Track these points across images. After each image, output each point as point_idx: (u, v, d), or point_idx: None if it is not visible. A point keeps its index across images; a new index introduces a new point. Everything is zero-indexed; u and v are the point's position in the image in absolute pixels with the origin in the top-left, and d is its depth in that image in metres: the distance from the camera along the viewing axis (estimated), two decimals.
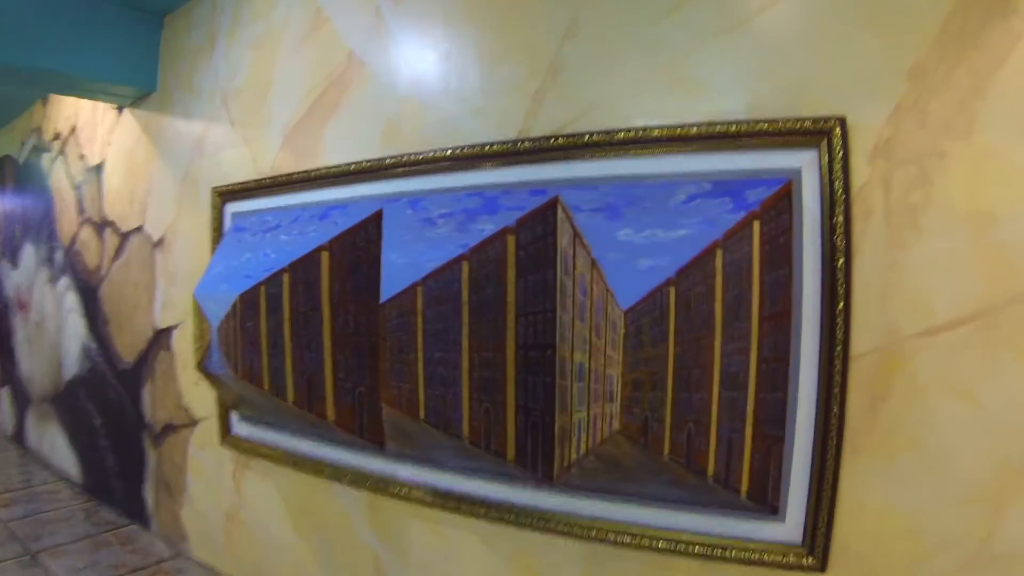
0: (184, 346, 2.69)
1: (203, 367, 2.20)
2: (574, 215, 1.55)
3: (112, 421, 2.98)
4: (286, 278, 1.89)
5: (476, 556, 1.88)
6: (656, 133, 1.52)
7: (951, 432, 1.23)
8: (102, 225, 3.12)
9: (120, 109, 3.12)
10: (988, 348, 1.22)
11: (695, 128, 1.46)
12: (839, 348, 1.30)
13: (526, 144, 1.71)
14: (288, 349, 1.88)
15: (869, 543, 1.31)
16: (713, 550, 1.45)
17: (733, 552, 1.42)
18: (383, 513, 2.03)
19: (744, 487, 1.39)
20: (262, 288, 1.92)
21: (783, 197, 1.40)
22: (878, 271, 1.30)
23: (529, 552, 1.75)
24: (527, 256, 1.55)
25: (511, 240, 1.56)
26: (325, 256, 1.86)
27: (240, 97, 2.52)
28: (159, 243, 2.86)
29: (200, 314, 2.17)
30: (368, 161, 1.99)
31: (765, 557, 1.39)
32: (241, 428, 2.38)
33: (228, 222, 2.41)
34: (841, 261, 1.31)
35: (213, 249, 2.48)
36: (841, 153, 1.32)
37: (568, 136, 1.65)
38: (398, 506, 2.00)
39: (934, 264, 1.25)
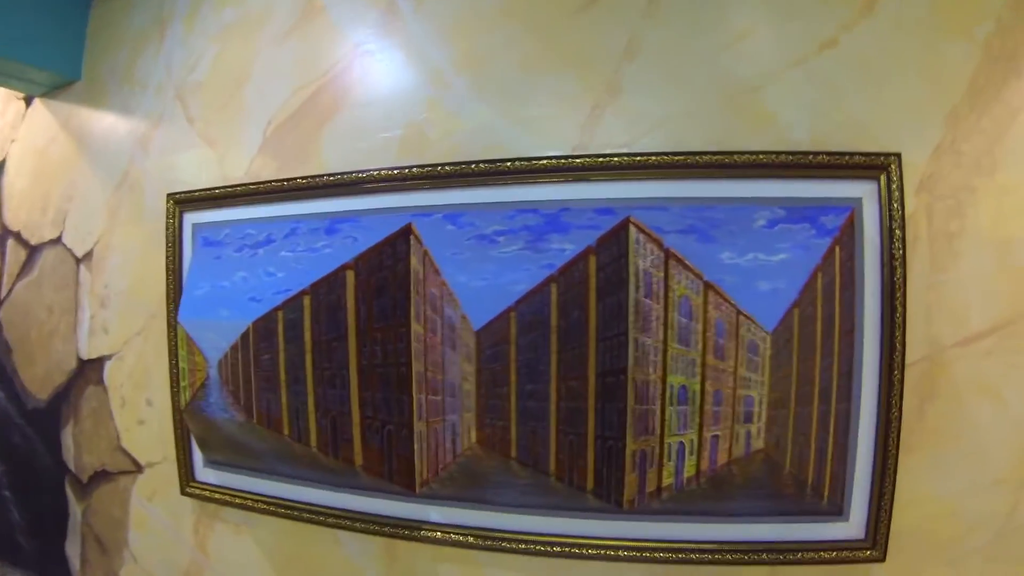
0: (122, 380, 2.09)
1: (194, 411, 1.70)
2: (663, 237, 1.43)
3: (18, 469, 2.27)
4: (307, 301, 1.49)
5: None
6: (736, 159, 1.43)
7: (982, 427, 1.39)
8: (3, 236, 2.42)
9: (28, 99, 2.39)
10: (1010, 355, 1.40)
11: (771, 155, 1.42)
12: (898, 358, 1.38)
13: (588, 160, 1.55)
14: (310, 385, 1.50)
15: (919, 529, 1.42)
16: (784, 555, 1.42)
17: (801, 554, 1.41)
18: (405, 561, 1.69)
19: (826, 493, 1.38)
20: (279, 313, 1.51)
21: (851, 224, 1.40)
22: (924, 290, 1.41)
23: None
24: (605, 278, 1.39)
25: (592, 260, 1.39)
26: (351, 276, 1.52)
27: (202, 92, 2.06)
28: (85, 258, 2.27)
29: (189, 345, 1.67)
30: (389, 169, 1.64)
31: (831, 555, 1.41)
32: (209, 474, 1.95)
33: (188, 235, 1.98)
34: (899, 281, 1.38)
35: (170, 266, 2.00)
36: (897, 185, 1.39)
37: (635, 155, 1.52)
38: (425, 550, 1.72)
39: (967, 284, 1.40)
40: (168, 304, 1.92)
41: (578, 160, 1.53)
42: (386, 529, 1.67)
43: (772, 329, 1.30)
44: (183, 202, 1.91)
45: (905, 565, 1.41)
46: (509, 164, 1.57)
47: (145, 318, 2.03)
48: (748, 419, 1.29)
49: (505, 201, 1.56)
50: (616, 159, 1.51)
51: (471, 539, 1.60)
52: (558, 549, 1.54)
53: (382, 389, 1.51)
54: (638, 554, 1.51)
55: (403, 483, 1.53)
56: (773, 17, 1.50)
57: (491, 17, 1.66)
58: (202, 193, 1.88)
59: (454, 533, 1.62)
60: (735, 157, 1.45)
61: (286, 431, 1.51)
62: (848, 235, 1.37)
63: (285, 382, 1.49)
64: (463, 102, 1.67)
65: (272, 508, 1.80)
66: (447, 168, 1.60)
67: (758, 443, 1.28)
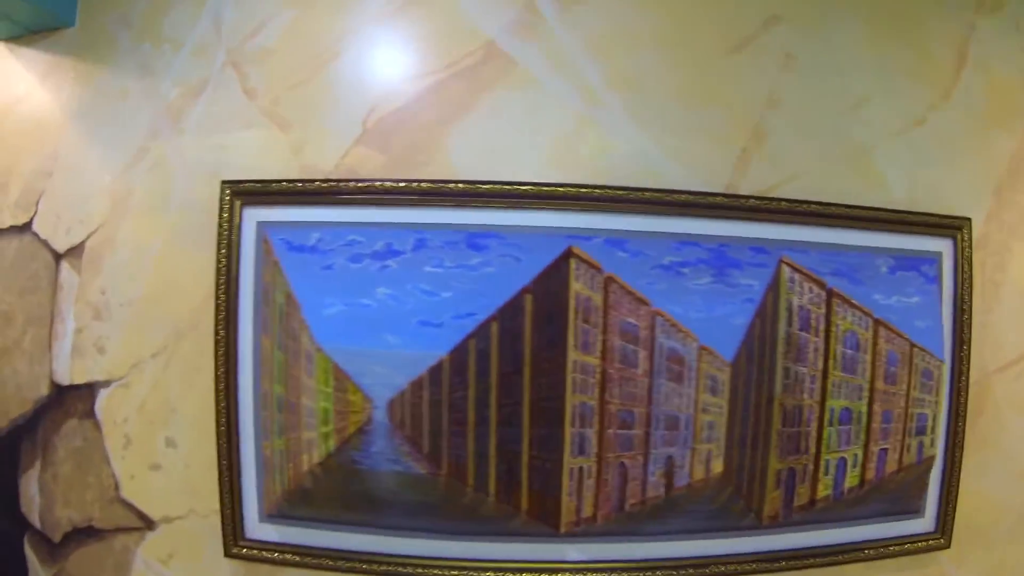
0: (127, 414, 1.42)
1: (341, 464, 1.18)
2: (827, 279, 1.37)
3: None
4: (495, 329, 1.17)
5: None
6: (861, 212, 1.44)
7: (1015, 435, 1.60)
8: None
9: None
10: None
11: (888, 212, 1.48)
12: (964, 380, 1.52)
13: (745, 201, 1.43)
14: (493, 426, 1.19)
15: (972, 518, 1.56)
16: (877, 550, 1.48)
17: (882, 546, 1.50)
18: None
19: (912, 494, 1.47)
20: (471, 343, 1.15)
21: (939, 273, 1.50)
22: (978, 327, 1.55)
23: None
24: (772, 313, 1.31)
25: (770, 297, 1.28)
26: (529, 300, 1.23)
27: (269, 63, 1.51)
28: (70, 254, 1.55)
29: (337, 379, 1.16)
30: (551, 186, 1.34)
31: (910, 547, 1.52)
32: (266, 530, 1.45)
33: (250, 235, 1.46)
34: (967, 321, 1.52)
35: (222, 273, 1.44)
36: (968, 244, 1.51)
37: (790, 200, 1.44)
38: None
39: (1006, 322, 1.59)
40: (217, 321, 1.38)
41: (742, 199, 1.42)
42: (512, 574, 1.40)
43: (943, 358, 1.36)
44: (247, 193, 1.38)
45: (960, 549, 1.55)
46: (675, 196, 1.41)
47: (167, 336, 1.42)
48: (921, 432, 1.32)
49: (665, 231, 1.39)
50: (772, 203, 1.44)
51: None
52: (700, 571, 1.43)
53: (546, 426, 1.25)
54: (768, 564, 1.45)
55: (551, 522, 1.29)
56: (882, 90, 1.53)
57: (642, 40, 1.46)
58: (283, 185, 1.38)
59: (597, 572, 1.42)
60: (859, 211, 1.47)
61: (471, 481, 1.16)
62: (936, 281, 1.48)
63: (473, 423, 1.15)
64: (617, 123, 1.45)
65: (360, 565, 1.39)
66: (616, 191, 1.38)
67: (932, 450, 1.32)
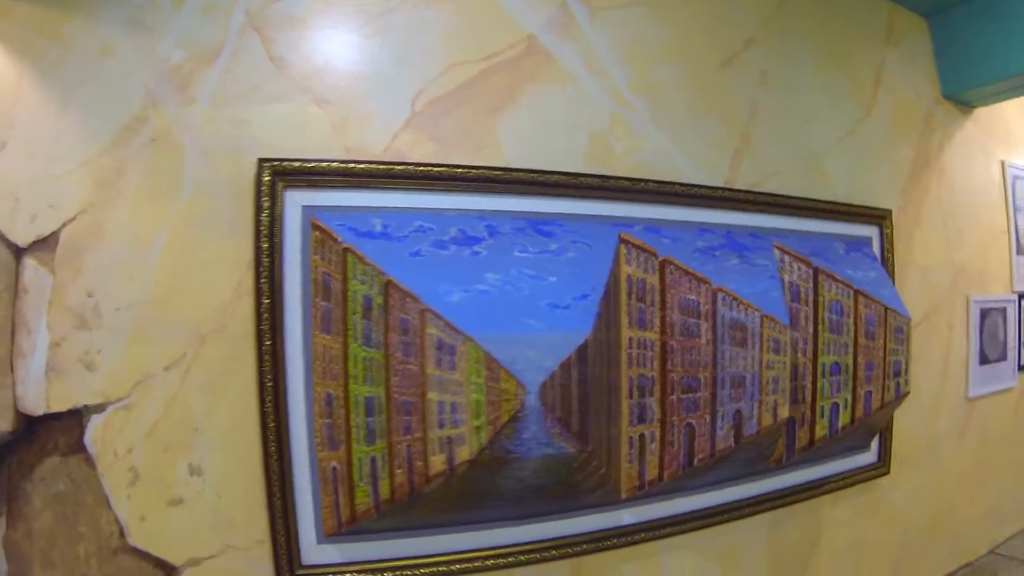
0: (132, 442, 1.07)
1: (495, 455, 0.99)
2: (811, 258, 1.52)
3: None
4: (604, 308, 1.07)
5: (688, 569, 1.54)
6: (815, 204, 1.67)
7: (922, 380, 1.95)
8: None
9: None
10: (930, 334, 2.00)
11: (843, 205, 1.71)
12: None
13: (744, 194, 1.53)
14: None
15: (900, 449, 1.86)
16: (837, 482, 1.71)
17: (844, 478, 1.73)
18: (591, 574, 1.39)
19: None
20: (601, 322, 1.03)
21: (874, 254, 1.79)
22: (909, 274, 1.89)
23: (724, 542, 1.55)
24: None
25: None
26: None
27: (300, 31, 1.23)
28: (38, 248, 1.06)
29: (489, 369, 0.96)
30: (600, 177, 1.34)
31: (861, 477, 1.77)
32: (327, 552, 1.17)
33: (295, 221, 1.16)
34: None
35: (265, 263, 1.13)
36: (890, 230, 1.84)
37: (768, 194, 1.59)
38: (606, 559, 1.42)
39: (913, 292, 1.95)
40: (260, 320, 1.10)
41: (739, 193, 1.54)
42: (580, 547, 1.34)
43: (908, 316, 1.58)
44: (289, 174, 1.13)
45: (895, 475, 1.86)
46: (694, 189, 1.47)
47: (184, 343, 1.11)
48: (897, 374, 1.54)
49: (689, 220, 1.46)
50: (759, 196, 1.58)
51: (650, 533, 1.43)
52: (712, 519, 1.51)
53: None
54: (759, 509, 1.59)
55: (613, 491, 1.26)
56: (827, 105, 1.79)
57: (655, 51, 1.50)
58: (336, 166, 1.15)
59: (649, 530, 1.42)
60: (816, 203, 1.69)
61: (604, 456, 1.04)
62: None
63: (607, 399, 1.04)
64: (644, 124, 1.47)
65: (435, 569, 1.21)
66: (652, 184, 1.40)
67: (906, 389, 1.53)
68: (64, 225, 1.07)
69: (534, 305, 1.05)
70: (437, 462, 0.98)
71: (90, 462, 1.07)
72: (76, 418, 1.06)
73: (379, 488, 1.05)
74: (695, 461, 1.26)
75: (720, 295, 1.28)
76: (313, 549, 1.14)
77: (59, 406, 1.06)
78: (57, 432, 1.06)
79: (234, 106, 1.15)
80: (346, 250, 1.07)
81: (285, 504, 1.11)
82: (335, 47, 1.21)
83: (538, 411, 0.96)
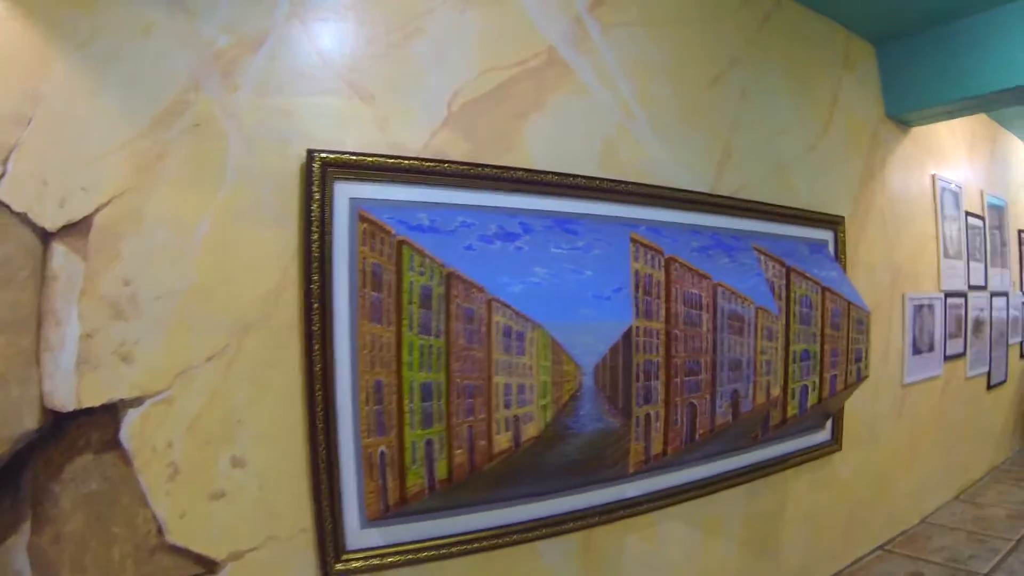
0: (172, 436, 0.99)
1: (557, 430, 1.00)
2: (784, 258, 1.66)
3: None
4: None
5: (678, 537, 1.63)
6: (784, 210, 1.85)
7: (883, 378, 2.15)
8: None
9: None
10: (881, 322, 2.19)
11: (807, 212, 1.89)
12: None
13: (726, 200, 1.66)
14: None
15: (850, 429, 2.06)
16: (798, 457, 1.90)
17: (804, 454, 1.92)
18: (597, 547, 1.44)
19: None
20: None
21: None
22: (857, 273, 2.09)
23: (708, 511, 1.66)
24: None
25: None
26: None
27: (345, 24, 1.16)
28: (69, 233, 0.92)
29: (554, 353, 0.97)
30: (614, 181, 1.42)
31: (817, 453, 1.95)
32: (371, 535, 1.12)
33: (343, 213, 1.09)
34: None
35: (315, 254, 1.05)
36: (843, 234, 2.05)
37: (744, 200, 1.73)
38: (612, 530, 1.47)
39: (861, 291, 2.04)
40: (310, 309, 1.05)
41: (723, 199, 1.66)
42: (592, 519, 1.39)
43: (868, 310, 1.76)
44: (339, 166, 1.08)
45: (845, 452, 2.05)
46: (687, 194, 1.58)
47: (228, 334, 1.04)
48: (858, 360, 1.71)
49: (684, 223, 1.56)
50: (738, 202, 1.71)
51: (651, 504, 1.52)
52: (700, 491, 1.62)
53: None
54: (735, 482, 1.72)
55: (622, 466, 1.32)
56: (793, 122, 1.97)
57: (657, 68, 1.60)
58: (383, 161, 1.12)
59: (649, 501, 1.49)
60: (784, 209, 1.85)
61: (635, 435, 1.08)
62: None
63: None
64: (646, 134, 1.56)
65: (467, 546, 1.22)
66: (655, 189, 1.49)
67: (866, 372, 1.70)
68: (98, 210, 0.98)
69: (582, 296, 1.10)
70: (502, 440, 1.00)
71: (125, 459, 0.98)
72: (110, 413, 0.98)
73: (434, 469, 1.04)
74: (696, 436, 1.36)
75: (720, 289, 1.39)
76: (356, 534, 1.12)
77: (91, 401, 0.96)
78: (89, 428, 0.97)
79: (279, 95, 1.10)
80: (401, 242, 1.06)
81: (332, 491, 1.08)
82: (378, 43, 1.19)
83: (592, 390, 1.02)
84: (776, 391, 1.46)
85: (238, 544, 1.06)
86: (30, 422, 0.93)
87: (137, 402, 0.99)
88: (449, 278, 1.01)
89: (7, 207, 0.92)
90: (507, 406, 0.98)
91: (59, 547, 0.94)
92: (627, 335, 1.09)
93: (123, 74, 1.00)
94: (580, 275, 1.13)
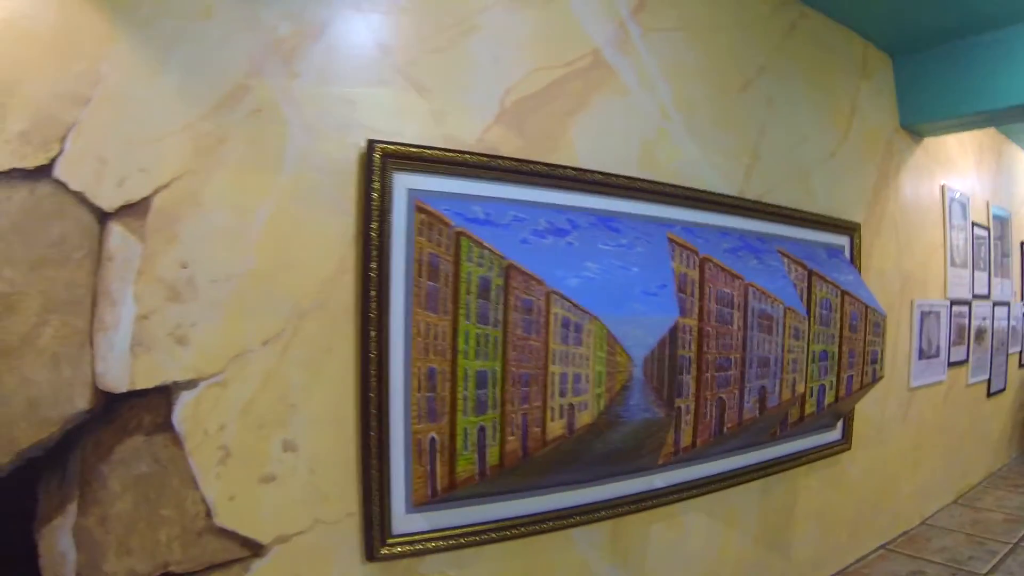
0: (225, 419, 0.96)
1: (609, 419, 0.99)
2: (806, 262, 1.66)
3: None
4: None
5: (699, 529, 1.62)
6: (813, 216, 1.85)
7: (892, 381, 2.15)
8: None
9: None
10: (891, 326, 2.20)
11: (825, 217, 1.88)
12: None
13: (755, 204, 1.66)
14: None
15: (859, 429, 2.06)
16: (806, 457, 1.90)
17: (816, 452, 1.92)
18: (625, 535, 1.44)
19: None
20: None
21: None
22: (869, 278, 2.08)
23: (727, 504, 1.66)
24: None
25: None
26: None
27: (403, 17, 1.13)
28: (127, 214, 0.88)
29: (609, 344, 0.95)
30: (652, 182, 1.41)
31: (827, 452, 1.95)
32: (415, 521, 1.09)
33: (402, 203, 1.06)
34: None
35: (374, 243, 1.02)
36: (859, 239, 2.06)
37: (769, 204, 1.72)
38: (639, 519, 1.46)
39: (873, 288, 2.05)
40: (367, 297, 1.02)
41: (750, 202, 1.66)
42: (622, 508, 1.37)
43: (884, 313, 1.77)
44: (399, 157, 1.05)
45: (854, 451, 2.06)
46: (719, 197, 1.57)
47: (285, 318, 1.01)
48: (874, 362, 1.71)
49: (714, 224, 1.55)
50: (764, 206, 1.71)
51: (676, 495, 1.50)
52: (722, 484, 1.61)
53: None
54: (769, 470, 1.74)
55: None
56: (815, 130, 1.97)
57: (691, 72, 1.60)
58: (441, 153, 1.09)
59: (674, 492, 1.48)
60: (805, 214, 1.86)
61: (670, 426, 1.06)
62: None
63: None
64: (681, 136, 1.55)
65: (504, 532, 1.21)
66: (690, 191, 1.48)
67: (881, 373, 1.69)
68: (157, 191, 0.94)
69: (631, 291, 1.09)
70: (556, 427, 0.99)
71: (177, 441, 0.95)
72: (163, 395, 0.94)
73: (486, 455, 1.02)
74: (725, 429, 1.35)
75: (751, 289, 1.38)
76: (402, 519, 1.10)
77: (145, 383, 0.93)
78: (141, 410, 0.93)
79: (339, 84, 1.07)
80: (460, 234, 1.04)
81: (382, 476, 1.05)
82: (435, 38, 1.17)
83: (640, 381, 1.01)
84: (801, 387, 1.46)
85: (285, 528, 1.03)
86: (81, 403, 0.89)
87: (191, 385, 0.96)
88: (508, 270, 1.00)
89: (64, 185, 0.88)
90: (562, 394, 0.97)
91: (105, 529, 0.90)
92: (673, 330, 1.08)
93: (184, 56, 0.96)
94: (627, 271, 1.12)
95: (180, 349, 0.96)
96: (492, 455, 1.02)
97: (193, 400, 0.97)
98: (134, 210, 0.93)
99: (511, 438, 1.00)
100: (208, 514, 0.98)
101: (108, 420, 0.92)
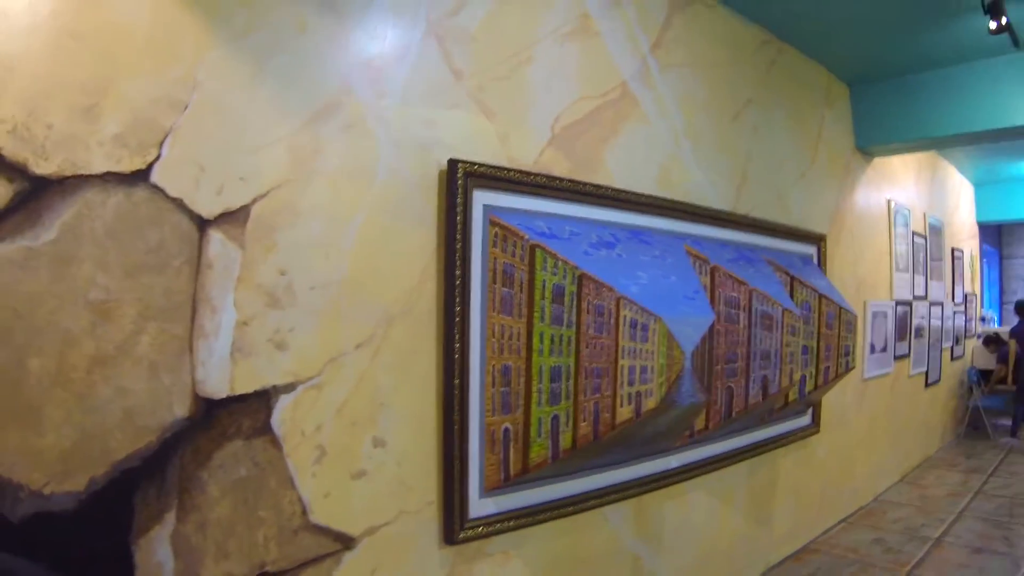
0: (321, 420, 0.90)
1: (667, 405, 1.01)
2: (788, 269, 1.74)
3: None
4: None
5: (702, 505, 1.66)
6: (790, 229, 1.96)
7: (850, 373, 2.19)
8: None
9: None
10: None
11: (799, 230, 1.99)
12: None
13: (744, 218, 1.72)
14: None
15: (829, 416, 2.18)
16: (784, 439, 2.00)
17: (792, 435, 2.02)
18: (646, 512, 1.49)
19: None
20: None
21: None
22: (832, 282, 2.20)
23: (723, 483, 1.71)
24: None
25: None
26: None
27: (474, 47, 1.08)
28: (226, 221, 0.76)
29: (669, 341, 0.98)
30: (671, 201, 1.47)
31: (800, 435, 2.03)
32: (487, 505, 1.04)
33: (479, 217, 1.00)
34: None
35: (457, 253, 0.96)
36: (824, 248, 2.20)
37: (755, 219, 1.79)
38: (657, 497, 1.48)
39: (834, 284, 2.20)
40: (452, 302, 0.98)
41: (741, 217, 1.73)
42: (646, 487, 1.40)
43: (854, 312, 1.90)
44: (476, 175, 1.02)
45: (822, 435, 2.14)
46: (720, 213, 1.64)
47: (376, 323, 0.97)
48: (847, 354, 1.84)
49: (716, 237, 1.61)
50: (753, 220, 1.80)
51: (683, 475, 1.54)
52: (720, 464, 1.66)
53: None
54: (756, 451, 1.81)
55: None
56: (791, 154, 2.10)
57: (697, 104, 1.68)
58: (510, 173, 1.06)
59: (684, 472, 1.52)
60: (783, 227, 1.97)
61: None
62: None
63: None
64: (689, 162, 1.61)
65: (554, 511, 1.20)
66: (698, 208, 1.54)
67: (853, 364, 1.82)
68: (255, 200, 0.87)
69: (675, 296, 1.14)
70: (624, 412, 1.02)
71: (276, 443, 0.89)
72: (263, 399, 0.87)
73: (559, 440, 1.02)
74: (733, 413, 1.41)
75: (755, 293, 1.45)
76: (476, 504, 1.08)
77: (245, 388, 0.86)
78: (240, 415, 0.86)
79: (420, 106, 1.05)
80: (535, 246, 1.03)
81: (462, 466, 1.01)
82: (500, 66, 1.17)
83: (689, 371, 1.05)
84: (797, 375, 1.55)
85: (374, 519, 0.99)
86: (180, 410, 0.80)
87: (289, 388, 0.89)
88: (581, 279, 1.01)
89: (162, 191, 0.80)
90: (630, 384, 0.98)
91: (203, 534, 0.83)
92: (711, 328, 1.11)
93: (280, 67, 0.91)
94: (668, 279, 1.17)
95: (279, 354, 0.89)
96: (565, 439, 1.05)
97: (291, 403, 0.90)
98: (233, 218, 0.86)
99: (583, 423, 1.03)
100: (304, 512, 0.92)
101: (207, 426, 0.84)
